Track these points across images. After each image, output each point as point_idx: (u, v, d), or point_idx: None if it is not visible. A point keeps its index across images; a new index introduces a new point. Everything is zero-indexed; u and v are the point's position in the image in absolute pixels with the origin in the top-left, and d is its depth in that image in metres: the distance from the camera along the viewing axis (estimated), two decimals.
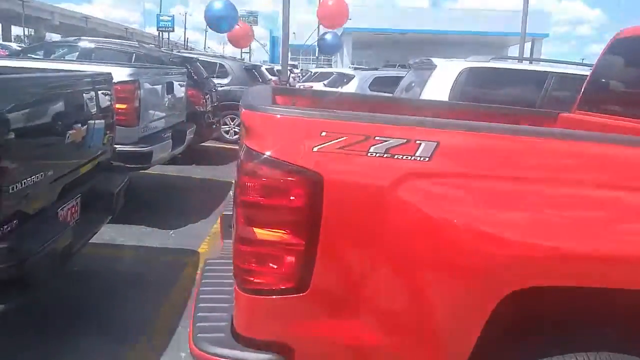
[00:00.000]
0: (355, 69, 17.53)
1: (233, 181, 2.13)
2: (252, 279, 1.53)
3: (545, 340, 1.59)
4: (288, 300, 1.52)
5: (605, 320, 1.63)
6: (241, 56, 36.58)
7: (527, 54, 25.38)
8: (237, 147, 2.68)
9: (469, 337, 1.49)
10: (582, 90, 3.56)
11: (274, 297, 1.52)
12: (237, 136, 10.67)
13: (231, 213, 2.14)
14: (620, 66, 3.50)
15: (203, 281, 2.04)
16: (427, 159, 1.48)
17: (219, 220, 2.97)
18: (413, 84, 6.73)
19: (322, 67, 28.25)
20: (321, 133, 1.47)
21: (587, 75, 5.97)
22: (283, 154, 1.47)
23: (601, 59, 3.55)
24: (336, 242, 1.49)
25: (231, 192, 2.59)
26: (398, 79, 11.34)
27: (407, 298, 1.52)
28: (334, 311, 1.54)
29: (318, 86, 14.66)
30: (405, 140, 1.48)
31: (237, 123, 11.01)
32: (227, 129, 11.23)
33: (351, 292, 1.53)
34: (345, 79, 14.54)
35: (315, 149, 1.46)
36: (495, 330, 1.50)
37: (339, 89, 12.59)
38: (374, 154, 1.47)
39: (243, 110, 1.59)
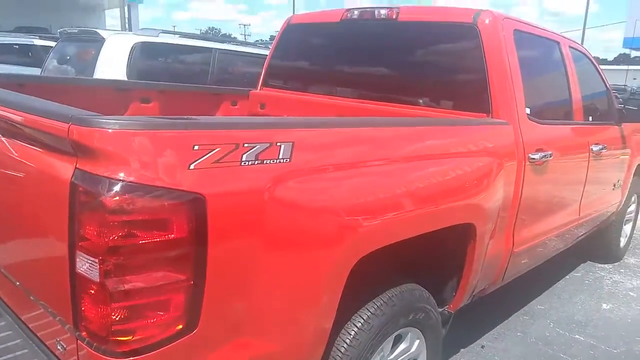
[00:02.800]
0: None
1: None
2: (130, 337, 1.22)
3: None
4: (177, 346, 1.28)
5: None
6: None
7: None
8: None
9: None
10: (265, 69, 3.94)
11: (162, 349, 1.26)
12: None
13: None
14: (294, 48, 4.03)
15: None
16: (288, 159, 1.48)
17: None
18: (69, 57, 5.96)
19: None
20: (194, 147, 1.26)
21: (243, 52, 6.62)
22: (153, 178, 1.19)
23: (277, 41, 3.99)
24: (224, 265, 1.33)
25: None
26: (13, 46, 9.69)
27: (293, 296, 1.52)
28: (228, 337, 1.39)
29: None
30: (268, 144, 1.43)
31: None
32: None
33: (243, 310, 1.41)
34: None
35: (191, 167, 1.25)
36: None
37: None
38: (247, 163, 1.36)
39: (71, 125, 1.18)
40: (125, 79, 4.97)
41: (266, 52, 6.77)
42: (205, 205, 1.25)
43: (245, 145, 1.36)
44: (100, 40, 5.18)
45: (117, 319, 1.19)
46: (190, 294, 1.27)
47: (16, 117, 1.35)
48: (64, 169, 1.24)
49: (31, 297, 1.50)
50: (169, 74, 5.45)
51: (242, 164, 1.35)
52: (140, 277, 1.20)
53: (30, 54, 9.76)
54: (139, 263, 1.20)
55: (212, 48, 6.04)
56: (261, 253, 1.41)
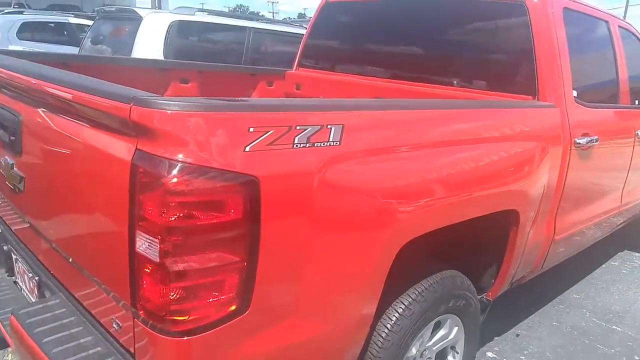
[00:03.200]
0: None
1: None
2: (186, 317, 1.23)
3: None
4: (230, 327, 1.29)
5: None
6: None
7: None
8: None
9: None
10: (301, 49, 3.90)
11: (215, 329, 1.27)
12: None
13: None
14: (331, 27, 3.98)
15: None
16: (338, 142, 1.46)
17: None
18: (106, 36, 6.01)
19: None
20: (249, 129, 1.26)
21: (277, 31, 6.57)
22: (210, 160, 1.20)
23: (314, 20, 3.94)
24: (275, 247, 1.33)
25: None
26: (49, 25, 9.78)
27: (340, 279, 1.53)
28: (277, 319, 1.40)
29: None
30: (319, 126, 1.42)
31: None
32: None
33: (292, 292, 1.42)
34: None
35: (247, 149, 1.25)
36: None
37: None
38: (299, 146, 1.35)
39: (132, 106, 1.19)
40: (162, 57, 5.00)
41: (299, 30, 6.78)
42: (259, 188, 1.25)
43: (298, 127, 1.35)
44: (138, 19, 5.20)
45: (175, 298, 1.21)
46: (243, 275, 1.28)
47: (76, 97, 1.36)
48: (124, 149, 1.25)
49: (85, 274, 1.54)
50: (204, 52, 5.47)
51: (295, 146, 1.34)
52: (198, 257, 1.21)
53: (65, 32, 9.89)
54: (196, 243, 1.21)
55: (247, 27, 6.02)
56: (310, 235, 1.40)
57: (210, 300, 1.26)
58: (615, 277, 4.21)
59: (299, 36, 6.52)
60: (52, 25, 10.23)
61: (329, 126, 1.43)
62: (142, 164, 1.19)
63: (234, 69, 3.72)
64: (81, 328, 1.52)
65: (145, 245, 1.21)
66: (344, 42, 3.65)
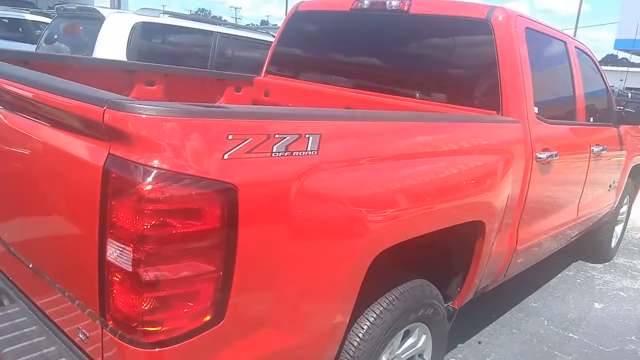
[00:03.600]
0: None
1: None
2: (159, 328, 1.20)
3: None
4: (204, 338, 1.26)
5: None
6: None
7: None
8: None
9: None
10: (270, 56, 3.88)
11: (188, 340, 1.24)
12: None
13: None
14: (300, 36, 3.99)
15: None
16: (315, 152, 1.46)
17: None
18: (56, 36, 5.82)
19: None
20: (228, 136, 1.23)
21: (242, 37, 6.53)
22: (187, 166, 1.17)
23: (284, 28, 3.93)
24: (251, 256, 1.31)
25: None
26: (2, 20, 9.34)
27: (315, 288, 1.52)
28: (251, 329, 1.38)
29: None
30: (297, 135, 1.41)
31: None
32: None
33: (267, 302, 1.40)
34: None
35: (225, 157, 1.22)
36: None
37: None
38: (278, 154, 1.34)
39: (106, 109, 1.15)
40: (125, 59, 4.87)
41: (264, 37, 6.76)
42: (237, 196, 1.23)
43: (277, 136, 1.34)
44: (100, 19, 5.06)
45: (147, 308, 1.17)
46: (219, 285, 1.25)
47: (44, 98, 1.31)
48: (95, 153, 1.20)
49: (48, 281, 1.47)
50: (168, 55, 5.36)
51: (273, 155, 1.33)
52: (172, 266, 1.17)
53: (20, 29, 9.52)
54: (171, 252, 1.18)
55: (213, 31, 5.95)
56: (287, 245, 1.39)
57: (185, 310, 1.22)
58: (571, 287, 4.36)
59: (263, 42, 6.53)
60: (6, 21, 9.84)
61: (307, 135, 1.43)
62: (115, 170, 1.15)
63: (201, 74, 3.67)
64: (44, 338, 1.45)
65: (116, 253, 1.17)
66: (313, 50, 3.66)
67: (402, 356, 2.15)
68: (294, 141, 1.39)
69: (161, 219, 1.14)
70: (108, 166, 1.16)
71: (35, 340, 1.42)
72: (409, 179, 1.77)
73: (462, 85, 2.82)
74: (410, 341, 2.17)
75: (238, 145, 1.25)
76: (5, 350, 1.36)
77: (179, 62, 4.97)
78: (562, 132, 3.21)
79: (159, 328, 1.20)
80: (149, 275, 1.15)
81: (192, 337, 1.25)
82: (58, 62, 2.81)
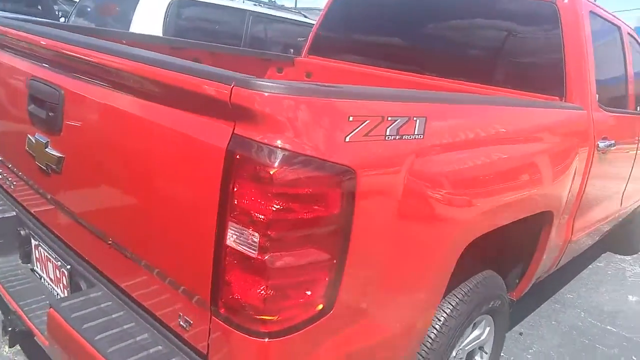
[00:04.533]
0: None
1: None
2: (275, 317, 1.13)
3: None
4: (315, 328, 1.20)
5: None
6: None
7: None
8: None
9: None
10: (312, 36, 3.78)
11: (301, 331, 1.18)
12: None
13: None
14: (345, 15, 3.87)
15: None
16: (422, 135, 1.39)
17: None
18: (91, 13, 5.70)
19: None
20: (349, 118, 1.16)
21: (275, 16, 6.41)
22: (314, 149, 1.09)
23: (328, 8, 3.82)
24: (362, 244, 1.24)
25: None
26: None
27: (415, 277, 1.47)
28: (356, 319, 1.32)
29: None
30: (407, 118, 1.33)
31: None
32: None
33: (371, 291, 1.34)
34: None
35: (347, 139, 1.15)
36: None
37: None
38: (390, 138, 1.27)
39: (233, 86, 1.07)
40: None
41: (297, 17, 6.63)
42: (356, 182, 1.17)
43: (389, 119, 1.26)
44: None
45: (267, 296, 1.11)
46: (333, 273, 1.19)
47: (170, 78, 1.22)
48: (216, 134, 1.13)
49: (142, 266, 1.40)
50: (203, 33, 5.25)
51: (387, 138, 1.26)
52: (294, 253, 1.11)
53: (40, 6, 9.28)
54: (295, 238, 1.11)
55: (247, 10, 5.84)
56: (392, 233, 1.33)
57: (300, 300, 1.16)
58: (602, 278, 4.32)
59: (297, 23, 6.40)
60: None
61: (414, 118, 1.35)
62: (240, 151, 1.08)
63: (245, 53, 3.58)
64: (133, 324, 1.38)
65: (238, 238, 1.10)
66: (358, 31, 3.55)
67: (466, 348, 2.10)
68: (404, 124, 1.31)
69: (288, 203, 1.08)
70: (232, 147, 1.09)
71: (126, 326, 1.35)
72: (504, 165, 1.70)
73: (525, 69, 2.73)
74: (475, 333, 2.12)
75: (358, 127, 1.17)
76: (97, 337, 1.29)
77: (214, 40, 4.85)
78: (618, 121, 3.12)
79: (276, 317, 1.14)
80: (273, 261, 1.08)
81: (305, 327, 1.19)
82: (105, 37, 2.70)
